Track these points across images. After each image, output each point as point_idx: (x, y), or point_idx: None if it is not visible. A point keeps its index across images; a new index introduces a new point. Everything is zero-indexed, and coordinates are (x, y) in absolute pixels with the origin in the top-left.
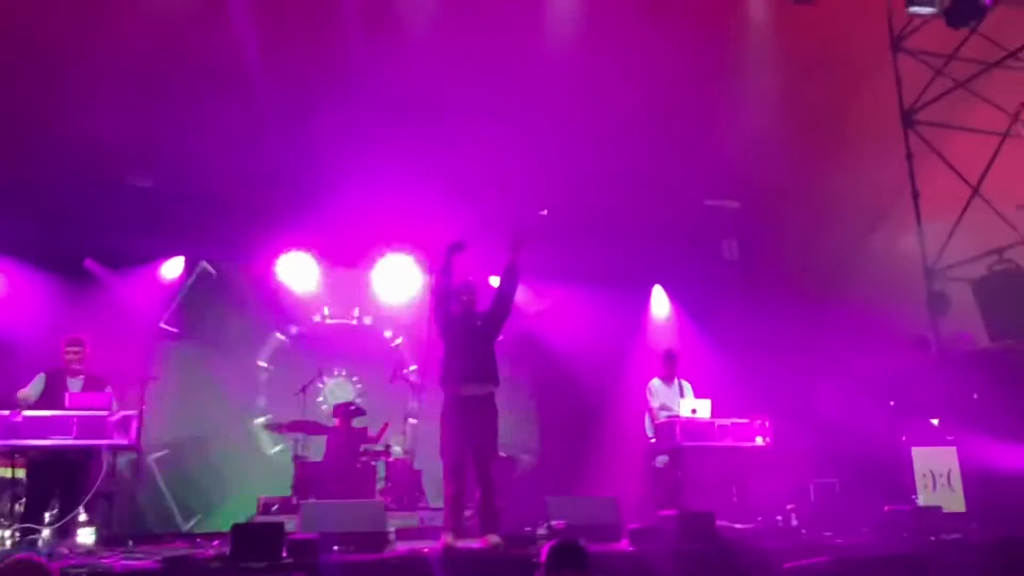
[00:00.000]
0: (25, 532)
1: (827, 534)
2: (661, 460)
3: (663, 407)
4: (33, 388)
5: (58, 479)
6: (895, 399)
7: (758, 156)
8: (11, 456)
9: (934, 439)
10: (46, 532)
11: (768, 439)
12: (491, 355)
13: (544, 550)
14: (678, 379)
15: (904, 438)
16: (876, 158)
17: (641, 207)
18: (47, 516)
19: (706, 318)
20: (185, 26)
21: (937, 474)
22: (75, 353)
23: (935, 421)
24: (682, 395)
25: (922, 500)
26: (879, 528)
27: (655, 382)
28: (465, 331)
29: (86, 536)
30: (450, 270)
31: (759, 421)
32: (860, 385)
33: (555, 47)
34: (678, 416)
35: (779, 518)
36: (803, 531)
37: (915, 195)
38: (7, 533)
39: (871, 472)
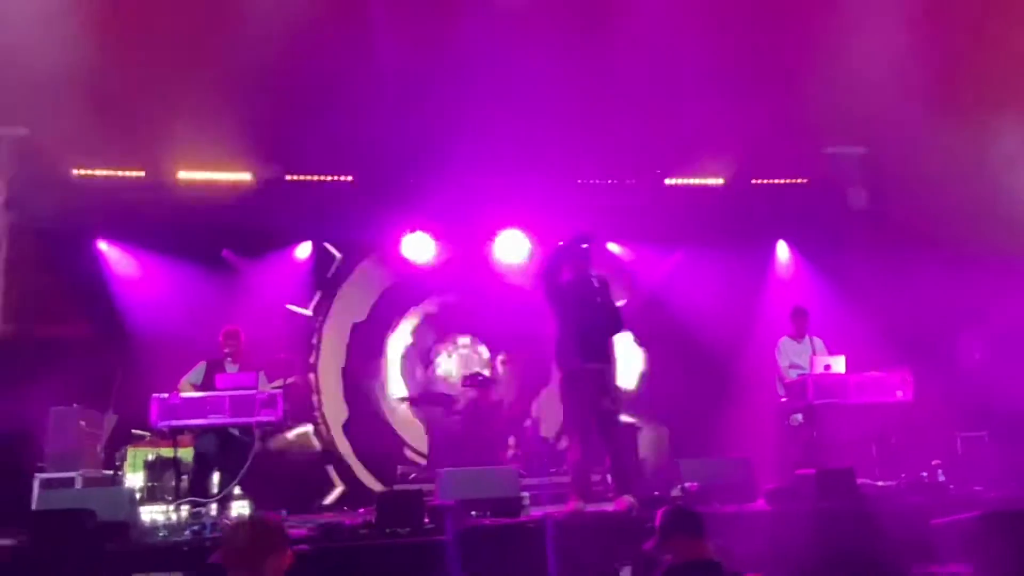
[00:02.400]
0: (190, 506)
1: (977, 489)
2: (796, 419)
3: (792, 365)
4: (194, 376)
5: (220, 456)
6: None
7: (886, 95)
8: (172, 436)
9: None
10: (209, 506)
11: (909, 393)
12: (608, 330)
13: (658, 515)
14: (809, 336)
15: None
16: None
17: (759, 161)
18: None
19: (834, 271)
20: (309, 16)
21: None
22: (232, 344)
23: None
24: (814, 352)
25: None
26: None
27: (784, 341)
28: (581, 304)
29: (241, 508)
30: (560, 270)
31: (898, 375)
32: (1008, 333)
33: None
34: (810, 373)
35: (924, 474)
36: (951, 486)
37: None
38: (172, 507)
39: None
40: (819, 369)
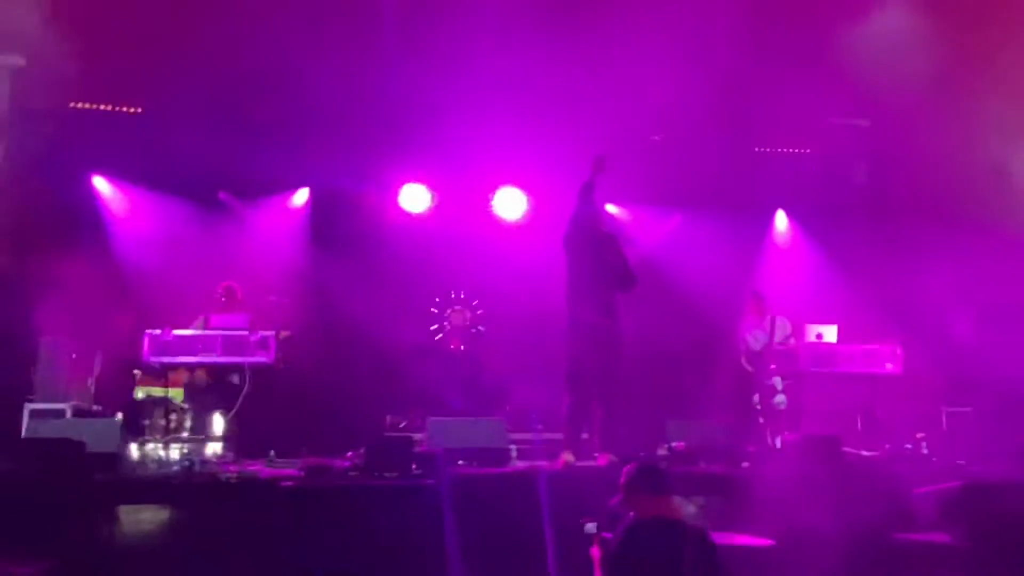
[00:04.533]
0: (179, 443)
1: (960, 462)
2: (755, 401)
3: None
4: (196, 330)
5: (213, 397)
6: None
7: (891, 68)
8: (164, 373)
9: None
10: (195, 445)
11: (898, 366)
12: (617, 287)
13: (623, 472)
14: (772, 317)
15: None
16: None
17: (763, 129)
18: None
19: (831, 243)
20: None
21: None
22: (229, 300)
23: None
24: (773, 335)
25: None
26: (1015, 457)
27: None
28: (597, 258)
29: (230, 448)
30: (593, 191)
31: (888, 347)
32: (1000, 312)
33: None
34: (802, 341)
35: (908, 446)
36: (934, 459)
37: None
38: (160, 444)
39: (1009, 402)
40: (811, 338)
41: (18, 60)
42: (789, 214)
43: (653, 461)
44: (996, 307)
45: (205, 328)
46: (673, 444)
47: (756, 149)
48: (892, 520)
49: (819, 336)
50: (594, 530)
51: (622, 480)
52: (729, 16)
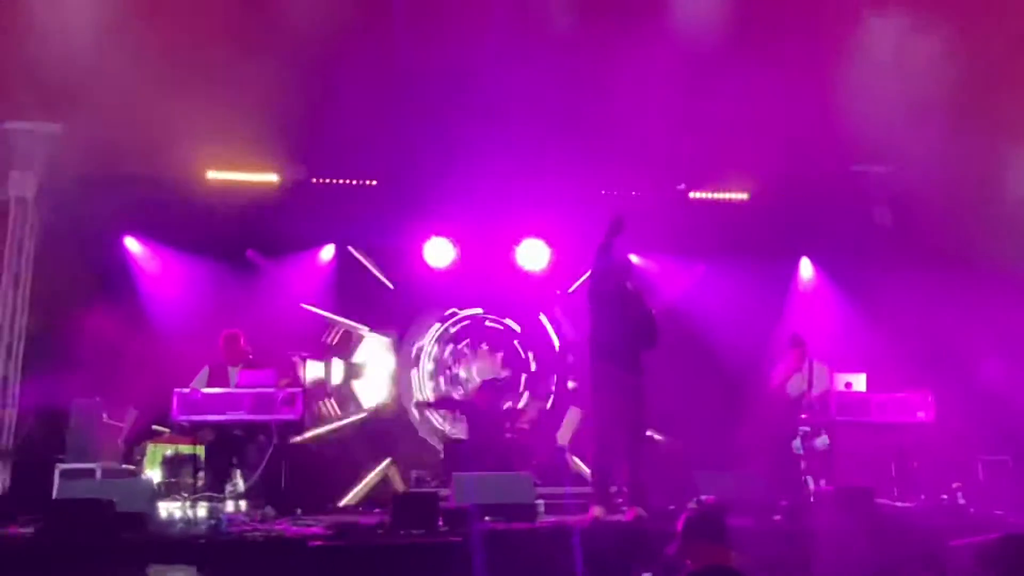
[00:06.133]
0: (207, 502)
1: (998, 512)
2: (796, 446)
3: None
4: (199, 381)
5: (232, 454)
6: None
7: (914, 114)
8: (192, 431)
9: None
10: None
11: (930, 414)
12: (642, 342)
13: (681, 519)
14: (810, 362)
15: None
16: None
17: (785, 176)
18: (227, 488)
19: (858, 289)
20: (336, 19)
21: None
22: (231, 348)
23: None
24: (812, 382)
25: None
26: None
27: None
28: (621, 313)
29: (256, 506)
30: (611, 249)
31: (920, 395)
32: None
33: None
34: (832, 390)
35: (944, 496)
36: (971, 509)
37: None
38: (188, 503)
39: None
40: (840, 386)
41: (54, 126)
42: (814, 261)
43: (714, 508)
44: None
45: (209, 378)
46: (703, 497)
47: (778, 196)
48: (927, 573)
49: (848, 385)
50: None
51: (679, 527)
52: (752, 66)
